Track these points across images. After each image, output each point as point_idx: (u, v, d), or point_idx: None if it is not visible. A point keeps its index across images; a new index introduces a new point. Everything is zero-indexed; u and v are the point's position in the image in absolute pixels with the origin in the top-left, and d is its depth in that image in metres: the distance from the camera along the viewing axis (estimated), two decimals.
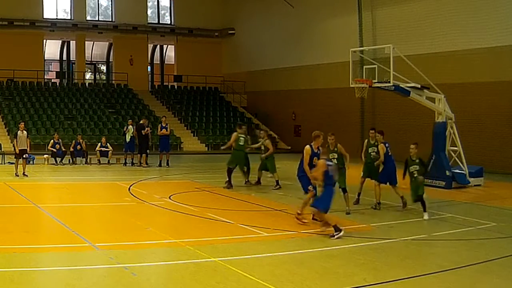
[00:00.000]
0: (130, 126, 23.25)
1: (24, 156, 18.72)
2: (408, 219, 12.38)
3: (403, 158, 12.83)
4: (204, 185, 17.24)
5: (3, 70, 32.90)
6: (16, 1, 33.90)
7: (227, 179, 16.40)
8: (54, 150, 23.13)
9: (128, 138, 23.05)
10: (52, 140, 23.59)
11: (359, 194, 13.93)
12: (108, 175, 19.96)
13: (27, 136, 19.08)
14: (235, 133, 16.87)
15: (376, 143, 13.74)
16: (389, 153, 13.55)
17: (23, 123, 19.72)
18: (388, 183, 13.59)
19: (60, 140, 23.60)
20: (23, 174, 18.64)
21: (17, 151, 18.65)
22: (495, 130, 23.02)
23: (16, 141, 18.71)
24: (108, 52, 39.78)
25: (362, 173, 13.92)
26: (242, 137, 16.65)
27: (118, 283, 7.35)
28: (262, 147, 16.95)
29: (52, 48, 38.94)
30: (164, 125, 22.97)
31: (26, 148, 18.81)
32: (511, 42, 21.79)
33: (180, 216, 12.31)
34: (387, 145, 13.58)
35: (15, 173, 18.60)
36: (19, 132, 18.86)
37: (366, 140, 14.14)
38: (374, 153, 13.69)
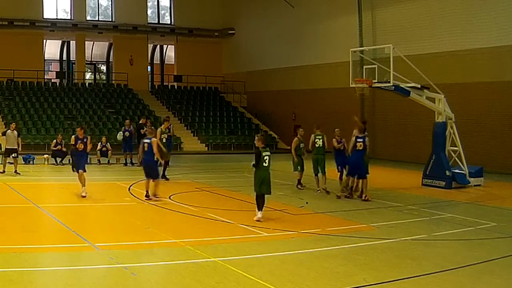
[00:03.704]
0: (120, 133, 23.59)
1: (13, 155, 19.09)
2: (408, 219, 12.39)
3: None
4: (204, 185, 17.23)
5: (3, 70, 32.89)
6: (16, 1, 33.89)
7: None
8: (55, 150, 23.08)
9: (119, 137, 23.55)
10: (55, 140, 23.56)
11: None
12: (108, 175, 19.94)
13: (18, 136, 19.48)
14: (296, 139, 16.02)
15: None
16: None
17: (14, 124, 20.20)
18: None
19: (63, 141, 23.57)
20: (15, 172, 18.85)
21: (3, 149, 19.19)
22: (495, 130, 23.02)
23: (5, 140, 19.23)
24: (108, 52, 39.77)
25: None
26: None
27: (118, 283, 7.35)
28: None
29: (52, 48, 38.93)
30: None
31: (15, 147, 19.17)
32: (511, 42, 21.80)
33: (180, 216, 12.30)
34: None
35: (2, 170, 18.94)
36: (8, 131, 19.35)
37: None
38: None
